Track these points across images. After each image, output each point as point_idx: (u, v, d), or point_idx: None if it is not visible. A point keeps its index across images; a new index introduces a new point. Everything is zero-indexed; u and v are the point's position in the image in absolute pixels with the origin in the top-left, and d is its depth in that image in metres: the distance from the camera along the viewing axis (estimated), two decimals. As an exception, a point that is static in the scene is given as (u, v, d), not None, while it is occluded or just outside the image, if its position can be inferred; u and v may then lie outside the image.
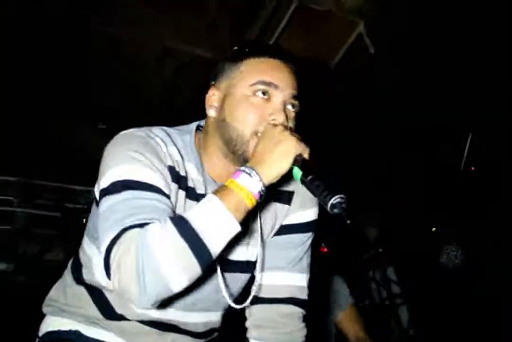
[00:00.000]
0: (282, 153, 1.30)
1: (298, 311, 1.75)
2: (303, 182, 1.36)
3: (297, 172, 1.36)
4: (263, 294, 1.76)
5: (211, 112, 1.47)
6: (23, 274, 4.91)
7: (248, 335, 1.77)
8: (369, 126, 5.38)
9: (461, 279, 6.30)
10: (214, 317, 1.71)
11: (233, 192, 1.24)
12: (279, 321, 1.72)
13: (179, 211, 1.40)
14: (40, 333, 1.62)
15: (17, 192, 5.02)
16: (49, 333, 1.58)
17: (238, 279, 1.69)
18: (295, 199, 1.74)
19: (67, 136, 4.67)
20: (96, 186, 1.44)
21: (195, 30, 4.26)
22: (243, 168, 1.30)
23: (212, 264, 1.30)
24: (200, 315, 1.63)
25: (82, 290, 1.58)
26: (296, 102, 1.44)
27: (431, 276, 6.60)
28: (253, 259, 1.67)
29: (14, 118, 4.49)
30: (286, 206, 1.74)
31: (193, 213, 1.20)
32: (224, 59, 1.52)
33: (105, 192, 1.29)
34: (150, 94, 4.67)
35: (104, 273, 1.23)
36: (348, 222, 1.32)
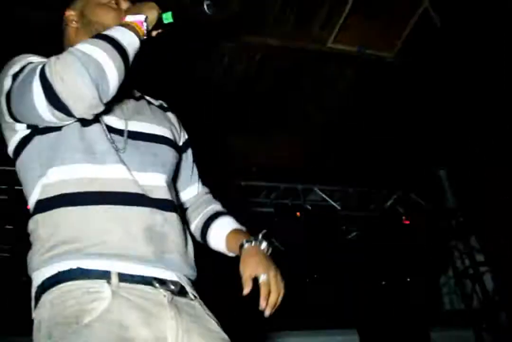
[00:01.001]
0: (149, 8, 1.59)
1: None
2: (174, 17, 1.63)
3: (166, 16, 1.62)
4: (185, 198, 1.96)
5: (74, 24, 1.71)
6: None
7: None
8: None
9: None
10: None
11: (126, 24, 1.53)
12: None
13: None
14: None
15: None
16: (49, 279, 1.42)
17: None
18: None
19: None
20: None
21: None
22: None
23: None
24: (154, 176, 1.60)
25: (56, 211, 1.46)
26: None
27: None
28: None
29: None
30: (174, 117, 1.94)
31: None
32: None
33: (11, 89, 1.44)
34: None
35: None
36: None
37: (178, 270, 1.53)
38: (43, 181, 1.46)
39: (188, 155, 1.92)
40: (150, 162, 1.60)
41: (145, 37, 1.54)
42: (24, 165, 1.52)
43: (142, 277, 1.43)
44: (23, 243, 1.60)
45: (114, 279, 1.38)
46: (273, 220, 5.78)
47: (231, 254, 1.80)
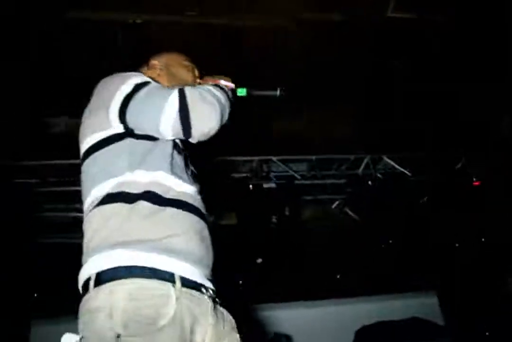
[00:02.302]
0: (228, 80, 2.01)
1: None
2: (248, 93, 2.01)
3: (241, 90, 2.00)
4: None
5: (157, 71, 2.04)
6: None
7: None
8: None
9: None
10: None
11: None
12: None
13: None
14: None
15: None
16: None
17: None
18: None
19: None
20: (101, 116, 1.73)
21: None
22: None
23: None
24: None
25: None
26: None
27: None
28: None
29: None
30: None
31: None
32: None
33: (133, 91, 1.67)
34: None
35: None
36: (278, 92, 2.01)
37: (210, 276, 1.69)
38: (129, 177, 1.64)
39: None
40: (193, 177, 1.83)
41: None
42: (111, 156, 1.69)
43: (195, 282, 1.58)
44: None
45: (178, 283, 1.51)
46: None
47: None
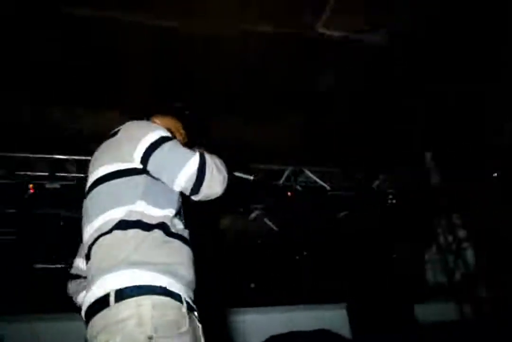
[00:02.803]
0: None
1: None
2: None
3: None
4: None
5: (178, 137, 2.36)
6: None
7: None
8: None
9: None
10: None
11: None
12: None
13: None
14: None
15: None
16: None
17: None
18: None
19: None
20: (121, 157, 1.99)
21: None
22: None
23: None
24: None
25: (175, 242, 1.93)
26: None
27: (496, 222, 6.84)
28: None
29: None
30: None
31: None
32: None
33: (157, 142, 1.94)
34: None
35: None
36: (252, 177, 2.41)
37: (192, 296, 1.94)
38: (143, 208, 1.88)
39: None
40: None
41: None
42: (127, 185, 1.92)
43: (193, 306, 1.86)
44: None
45: (185, 304, 1.78)
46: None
47: None
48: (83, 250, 1.97)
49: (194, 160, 1.91)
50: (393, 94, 5.69)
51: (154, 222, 1.86)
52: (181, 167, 1.90)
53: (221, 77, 5.01)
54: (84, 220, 1.96)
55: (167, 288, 1.74)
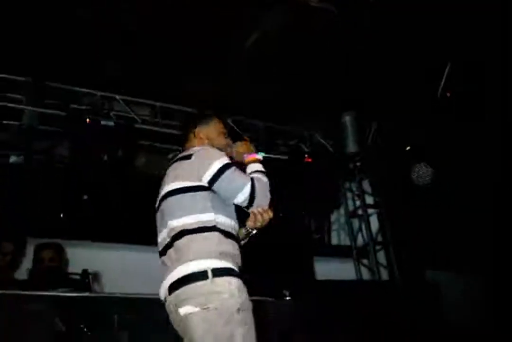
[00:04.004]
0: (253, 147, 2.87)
1: None
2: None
3: (260, 154, 2.77)
4: None
5: (200, 138, 2.84)
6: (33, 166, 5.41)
7: None
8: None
9: (430, 195, 6.80)
10: None
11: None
12: None
13: None
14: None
15: (26, 91, 5.40)
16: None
17: None
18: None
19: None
20: (192, 177, 2.54)
21: None
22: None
23: None
24: None
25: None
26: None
27: (402, 191, 7.12)
28: None
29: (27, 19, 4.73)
30: None
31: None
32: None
33: (222, 169, 2.49)
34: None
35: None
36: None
37: None
38: (215, 217, 2.47)
39: None
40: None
41: None
42: (195, 199, 2.49)
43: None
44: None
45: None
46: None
47: None
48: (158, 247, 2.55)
49: (248, 186, 2.46)
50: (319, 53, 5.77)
51: (226, 228, 2.47)
52: (239, 191, 2.46)
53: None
54: (158, 224, 2.58)
55: (238, 272, 2.39)
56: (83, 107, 5.54)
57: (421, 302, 5.45)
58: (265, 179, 2.60)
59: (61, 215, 5.42)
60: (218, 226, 2.46)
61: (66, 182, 5.60)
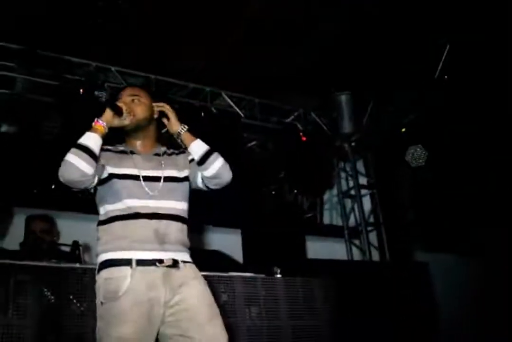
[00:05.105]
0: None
1: None
2: None
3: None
4: None
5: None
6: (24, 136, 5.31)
7: None
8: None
9: (423, 178, 6.81)
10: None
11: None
12: None
13: None
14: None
15: (18, 59, 5.28)
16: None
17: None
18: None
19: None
20: None
21: None
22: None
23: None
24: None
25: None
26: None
27: (395, 173, 7.11)
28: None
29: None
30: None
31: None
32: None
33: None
34: None
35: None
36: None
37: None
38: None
39: None
40: None
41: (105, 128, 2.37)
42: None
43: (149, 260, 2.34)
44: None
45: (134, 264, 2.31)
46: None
47: None
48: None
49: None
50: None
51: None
52: None
53: None
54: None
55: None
56: (77, 77, 5.43)
57: (410, 282, 5.47)
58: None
59: (53, 186, 5.34)
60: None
61: (57, 153, 5.49)
